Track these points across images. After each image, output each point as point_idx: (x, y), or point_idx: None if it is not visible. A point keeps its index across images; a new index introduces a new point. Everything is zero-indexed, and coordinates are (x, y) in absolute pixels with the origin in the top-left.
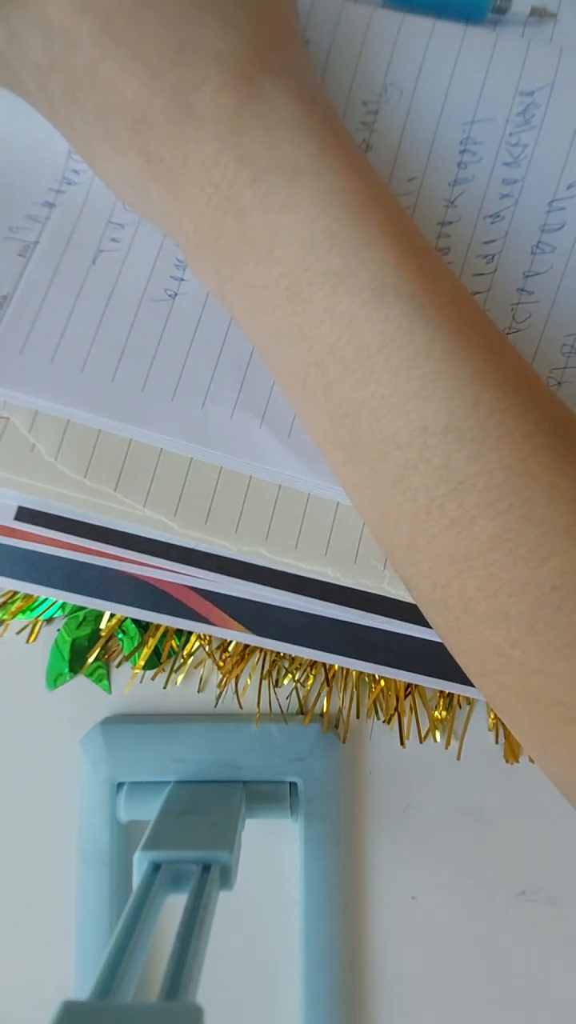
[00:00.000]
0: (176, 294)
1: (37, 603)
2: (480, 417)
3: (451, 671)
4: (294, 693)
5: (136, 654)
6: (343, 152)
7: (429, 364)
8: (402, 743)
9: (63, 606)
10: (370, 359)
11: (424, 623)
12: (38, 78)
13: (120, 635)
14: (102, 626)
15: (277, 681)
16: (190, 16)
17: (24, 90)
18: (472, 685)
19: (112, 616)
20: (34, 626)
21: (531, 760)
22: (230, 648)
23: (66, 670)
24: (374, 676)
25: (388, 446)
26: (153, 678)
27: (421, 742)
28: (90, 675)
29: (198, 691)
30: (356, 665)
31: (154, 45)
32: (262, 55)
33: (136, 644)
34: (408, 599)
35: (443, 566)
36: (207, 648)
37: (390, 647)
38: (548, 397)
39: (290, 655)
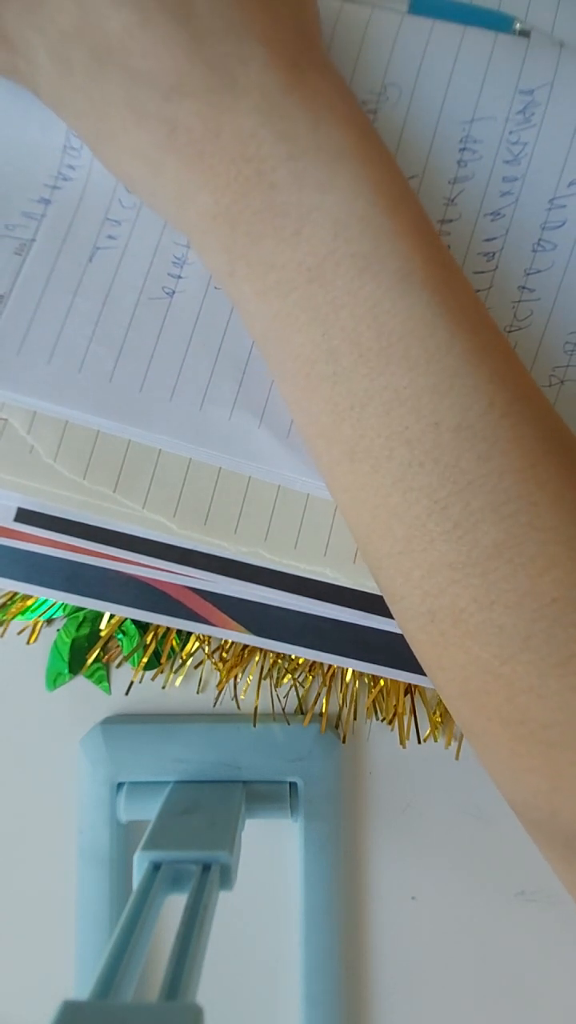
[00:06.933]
0: (174, 292)
1: (37, 604)
2: (494, 418)
3: None
4: (294, 693)
5: (136, 655)
6: (381, 148)
7: (449, 359)
8: (402, 743)
9: (63, 607)
10: (389, 347)
11: None
12: (59, 45)
13: (120, 635)
14: (102, 627)
15: (277, 681)
16: (240, 5)
17: (29, 62)
18: None
19: (112, 617)
20: (34, 627)
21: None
22: (229, 649)
23: (66, 671)
24: (374, 676)
25: (395, 442)
26: (153, 679)
27: (421, 743)
28: (90, 676)
29: (197, 691)
30: (356, 665)
31: (203, 21)
32: (307, 49)
33: (136, 644)
34: None
35: (438, 573)
36: (206, 649)
37: (390, 647)
38: (552, 410)
39: (290, 655)
